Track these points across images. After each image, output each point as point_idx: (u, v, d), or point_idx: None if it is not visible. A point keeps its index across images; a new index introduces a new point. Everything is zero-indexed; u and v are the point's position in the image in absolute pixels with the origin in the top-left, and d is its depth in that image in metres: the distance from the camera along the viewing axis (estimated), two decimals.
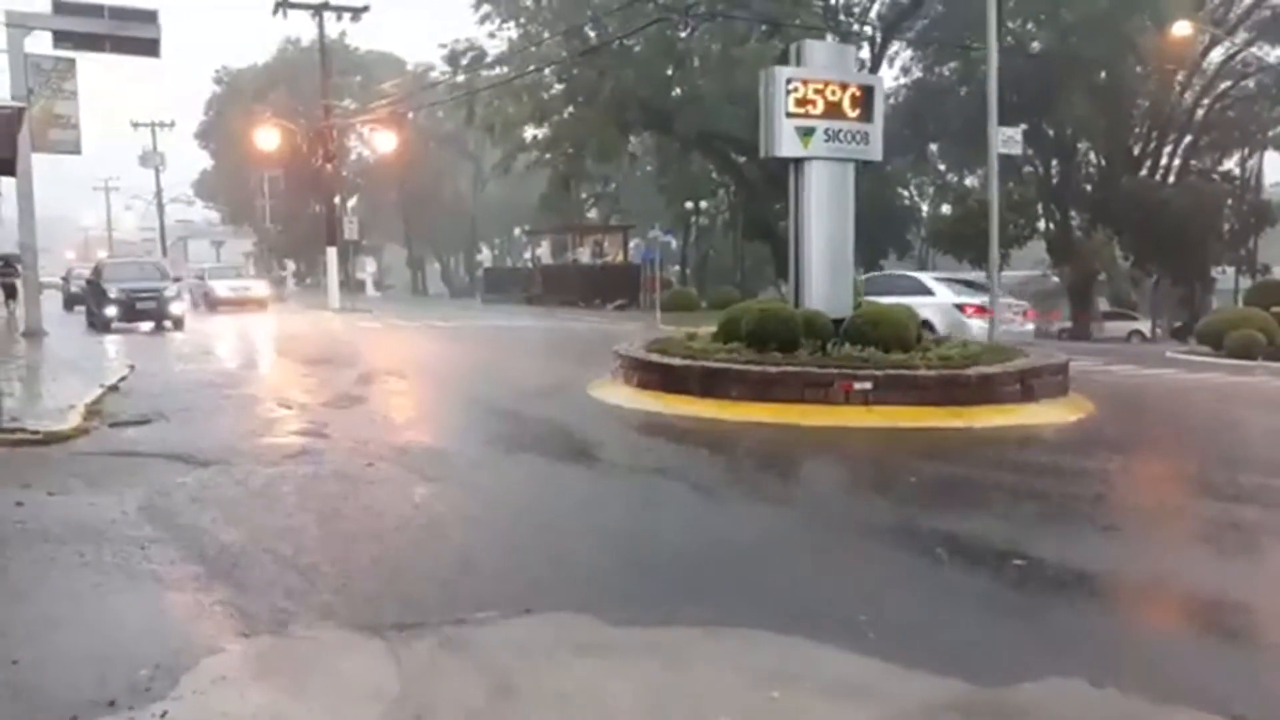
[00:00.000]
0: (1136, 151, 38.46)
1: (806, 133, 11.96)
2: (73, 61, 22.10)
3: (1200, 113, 38.03)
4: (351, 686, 3.84)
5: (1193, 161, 39.92)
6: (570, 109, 40.23)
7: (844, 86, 12.20)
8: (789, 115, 11.90)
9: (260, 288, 35.45)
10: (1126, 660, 4.12)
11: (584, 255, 44.75)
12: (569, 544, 5.82)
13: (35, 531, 5.98)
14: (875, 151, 12.52)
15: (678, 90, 39.17)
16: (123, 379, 13.22)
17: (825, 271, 12.28)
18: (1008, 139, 15.04)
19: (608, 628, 4.40)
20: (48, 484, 7.14)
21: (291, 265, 66.73)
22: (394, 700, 3.70)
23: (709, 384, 11.00)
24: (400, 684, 3.85)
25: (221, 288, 33.28)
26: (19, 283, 22.31)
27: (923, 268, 52.87)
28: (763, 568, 5.39)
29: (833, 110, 12.07)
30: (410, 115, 50.11)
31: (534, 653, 4.13)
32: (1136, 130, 38.15)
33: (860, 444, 9.47)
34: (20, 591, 4.94)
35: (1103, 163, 39.88)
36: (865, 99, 12.30)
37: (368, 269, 60.90)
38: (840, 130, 12.11)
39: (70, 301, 34.79)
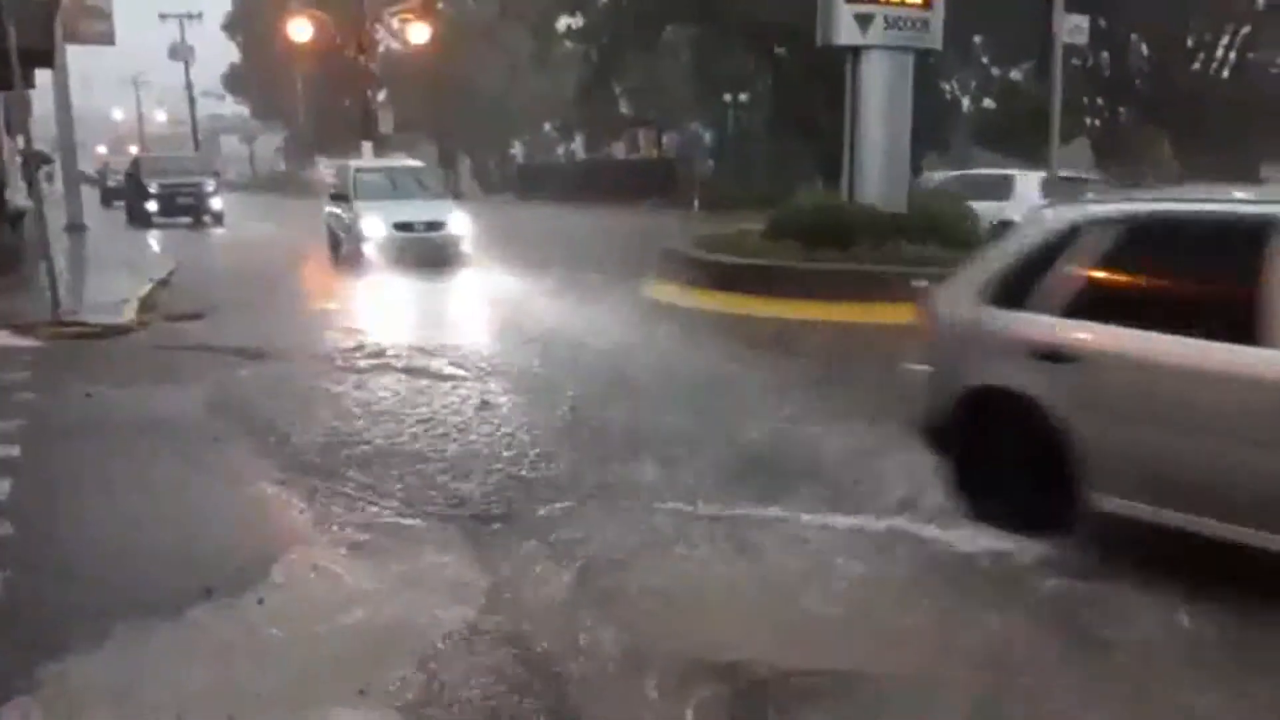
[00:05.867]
0: (1191, 43, 37.04)
1: (865, 19, 11.49)
2: None
3: (1260, 1, 36.41)
4: (437, 575, 3.87)
5: (1250, 54, 38.41)
6: None
7: None
8: (848, 1, 11.44)
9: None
10: None
11: (619, 150, 44.04)
12: (631, 439, 5.71)
13: (108, 425, 6.03)
14: (935, 39, 12.04)
15: None
16: (171, 273, 13.23)
17: (882, 166, 11.90)
18: (1074, 27, 14.29)
19: (681, 509, 4.45)
20: (113, 377, 7.18)
21: (324, 161, 66.22)
22: (478, 586, 3.74)
23: (762, 282, 10.83)
24: (483, 570, 3.88)
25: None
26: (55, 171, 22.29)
27: (962, 165, 51.61)
28: (825, 460, 5.24)
29: None
30: (440, 4, 48.96)
31: (606, 538, 4.15)
32: (1191, 21, 36.64)
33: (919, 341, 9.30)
34: (99, 486, 4.96)
35: (1155, 56, 38.48)
36: None
37: None
38: (900, 17, 11.63)
39: (107, 196, 34.76)
